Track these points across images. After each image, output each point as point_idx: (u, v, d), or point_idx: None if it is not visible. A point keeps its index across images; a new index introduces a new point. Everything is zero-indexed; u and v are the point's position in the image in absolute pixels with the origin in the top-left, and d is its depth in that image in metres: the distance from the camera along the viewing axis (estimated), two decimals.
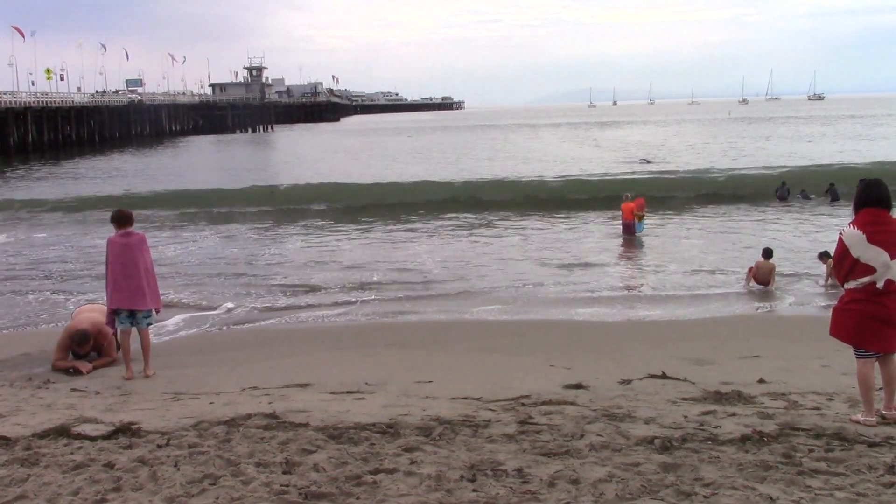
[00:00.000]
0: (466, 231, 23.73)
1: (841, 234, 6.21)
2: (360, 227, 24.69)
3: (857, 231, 6.02)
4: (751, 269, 14.55)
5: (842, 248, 6.12)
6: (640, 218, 21.11)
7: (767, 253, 14.78)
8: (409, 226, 24.80)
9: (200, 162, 46.26)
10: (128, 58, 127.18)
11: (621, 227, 21.45)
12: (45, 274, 17.76)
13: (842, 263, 6.12)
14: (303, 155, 56.61)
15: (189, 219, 27.75)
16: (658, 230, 22.42)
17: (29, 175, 47.40)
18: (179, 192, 34.10)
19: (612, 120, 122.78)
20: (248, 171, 46.42)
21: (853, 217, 6.22)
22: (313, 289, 15.49)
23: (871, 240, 5.93)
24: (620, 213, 21.54)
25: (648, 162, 44.45)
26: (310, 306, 14.01)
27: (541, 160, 46.16)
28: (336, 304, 14.11)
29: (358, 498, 4.60)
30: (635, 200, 21.23)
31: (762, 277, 14.34)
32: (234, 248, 21.24)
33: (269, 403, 7.15)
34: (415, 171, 41.61)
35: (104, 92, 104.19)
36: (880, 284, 5.92)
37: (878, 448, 5.31)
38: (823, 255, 14.66)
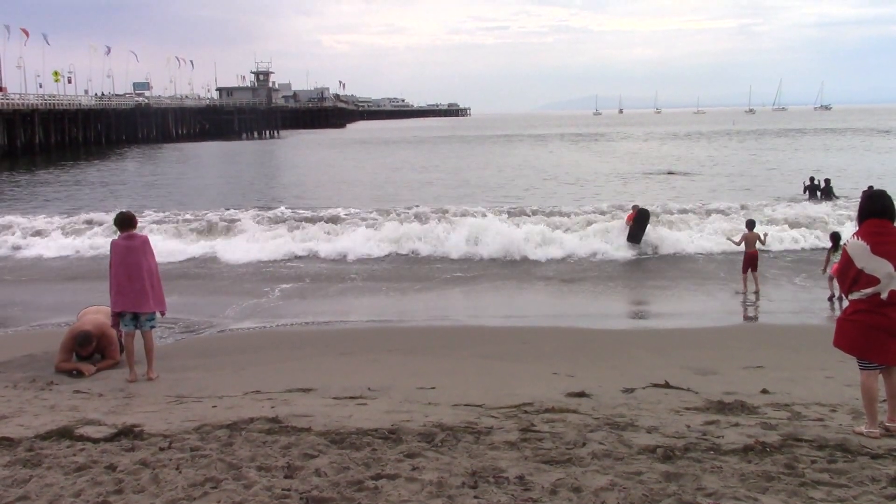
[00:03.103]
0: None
1: (845, 245, 6.21)
2: None
3: (860, 242, 6.01)
4: (742, 237, 15.82)
5: (846, 258, 6.11)
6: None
7: (750, 224, 16.22)
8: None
9: (203, 183, 43.76)
10: (137, 59, 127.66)
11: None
12: None
13: (846, 274, 6.11)
14: (313, 171, 53.93)
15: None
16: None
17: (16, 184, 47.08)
18: None
19: (620, 130, 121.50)
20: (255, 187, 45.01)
21: (857, 228, 6.22)
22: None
23: (875, 251, 5.92)
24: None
25: (673, 174, 43.79)
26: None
27: (575, 179, 43.49)
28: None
29: (359, 503, 4.60)
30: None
31: (750, 246, 15.48)
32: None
33: (272, 408, 7.16)
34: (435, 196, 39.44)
35: (103, 94, 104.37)
36: (884, 295, 5.91)
37: (882, 460, 5.30)
38: (833, 236, 15.14)
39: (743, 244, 15.66)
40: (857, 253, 6.01)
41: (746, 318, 13.76)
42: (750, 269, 15.38)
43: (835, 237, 15.06)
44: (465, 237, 20.16)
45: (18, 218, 24.96)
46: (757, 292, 15.14)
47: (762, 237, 15.99)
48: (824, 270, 14.54)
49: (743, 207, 24.76)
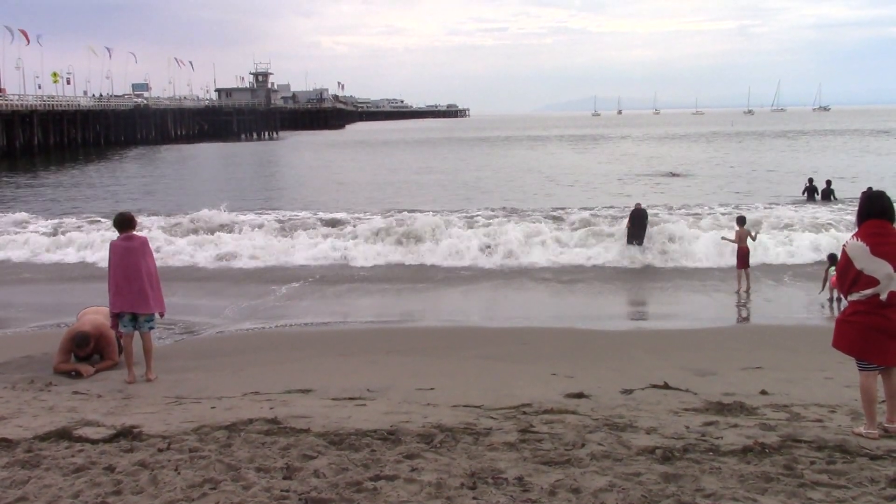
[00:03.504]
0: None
1: (844, 245, 6.21)
2: None
3: (860, 243, 6.01)
4: (735, 234, 16.07)
5: (845, 259, 6.11)
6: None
7: (741, 220, 16.41)
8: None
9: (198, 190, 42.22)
10: (136, 61, 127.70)
11: None
12: None
13: (845, 275, 6.11)
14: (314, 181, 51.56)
15: None
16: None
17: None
18: None
19: (619, 132, 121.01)
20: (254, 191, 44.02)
21: (856, 229, 6.22)
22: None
23: (875, 252, 5.92)
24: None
25: (676, 175, 43.03)
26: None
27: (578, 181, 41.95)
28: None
29: None
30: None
31: (742, 241, 15.75)
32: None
33: (271, 409, 7.16)
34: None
35: (101, 96, 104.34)
36: (884, 297, 5.91)
37: (881, 461, 5.30)
38: (831, 258, 14.83)
39: (736, 241, 15.85)
40: (856, 254, 6.01)
41: (745, 319, 13.76)
42: (742, 266, 15.57)
43: (832, 259, 14.88)
44: (473, 246, 19.82)
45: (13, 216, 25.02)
46: (748, 290, 15.28)
47: (752, 234, 16.21)
48: (822, 288, 14.46)
49: (747, 214, 24.30)
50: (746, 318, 13.75)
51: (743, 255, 15.60)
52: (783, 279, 16.69)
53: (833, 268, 13.88)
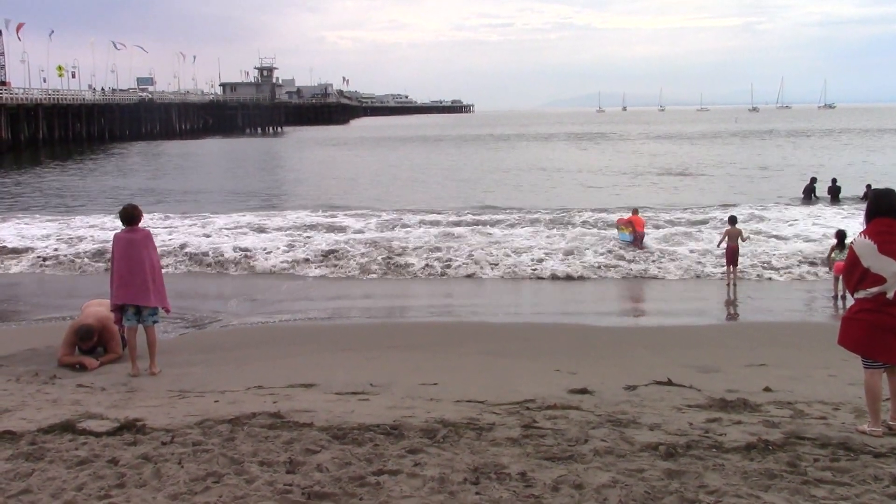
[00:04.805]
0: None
1: (852, 243, 6.21)
2: None
3: (867, 241, 6.00)
4: (725, 232, 16.15)
5: (852, 257, 6.10)
6: (621, 230, 20.44)
7: (733, 220, 16.64)
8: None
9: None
10: (146, 51, 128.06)
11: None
12: None
13: (852, 273, 6.10)
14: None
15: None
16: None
17: None
18: None
19: (624, 129, 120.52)
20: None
21: (864, 227, 6.21)
22: None
23: (882, 250, 5.91)
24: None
25: (686, 175, 42.32)
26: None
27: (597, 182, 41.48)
28: None
29: (361, 499, 4.60)
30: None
31: (732, 240, 15.78)
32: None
33: (274, 403, 7.16)
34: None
35: (103, 90, 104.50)
36: (890, 295, 5.90)
37: (884, 459, 5.29)
38: (839, 235, 14.90)
39: (726, 239, 15.96)
40: (863, 252, 6.00)
41: (749, 316, 13.73)
42: (731, 263, 15.79)
43: (840, 235, 14.92)
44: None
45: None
46: (735, 284, 15.52)
47: (743, 236, 16.41)
48: (829, 268, 14.63)
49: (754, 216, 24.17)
50: (750, 315, 13.70)
51: (732, 253, 15.69)
52: (785, 276, 16.65)
53: (837, 251, 14.00)
